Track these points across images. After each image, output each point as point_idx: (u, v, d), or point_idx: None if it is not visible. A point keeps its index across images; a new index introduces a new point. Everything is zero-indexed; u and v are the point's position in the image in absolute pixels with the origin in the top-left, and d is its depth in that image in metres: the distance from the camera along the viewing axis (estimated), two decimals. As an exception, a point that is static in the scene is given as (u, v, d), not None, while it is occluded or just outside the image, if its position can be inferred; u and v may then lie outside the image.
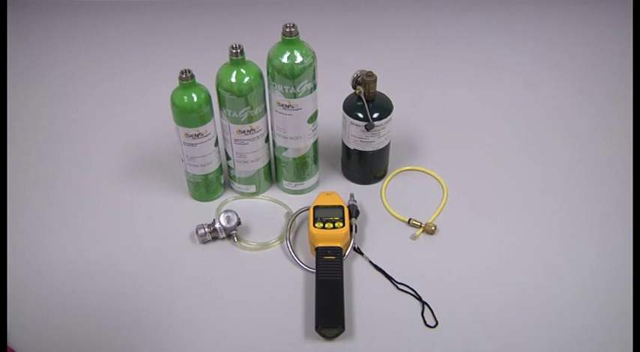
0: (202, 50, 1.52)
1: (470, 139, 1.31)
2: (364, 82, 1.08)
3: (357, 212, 1.11)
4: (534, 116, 1.37)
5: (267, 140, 1.12)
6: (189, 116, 1.03)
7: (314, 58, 1.00)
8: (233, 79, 1.00)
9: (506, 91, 1.44)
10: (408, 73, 1.49)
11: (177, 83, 1.02)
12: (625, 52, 1.55)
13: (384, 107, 1.10)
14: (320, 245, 1.04)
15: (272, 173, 1.20)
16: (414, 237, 1.11)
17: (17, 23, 1.67)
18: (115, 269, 1.06)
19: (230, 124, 1.06)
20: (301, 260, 1.06)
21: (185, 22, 1.68)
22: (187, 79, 1.01)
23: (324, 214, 1.07)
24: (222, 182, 1.18)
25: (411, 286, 1.02)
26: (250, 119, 1.05)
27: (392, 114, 1.11)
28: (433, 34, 1.63)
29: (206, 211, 1.15)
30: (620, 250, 1.08)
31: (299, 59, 0.98)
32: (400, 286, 1.03)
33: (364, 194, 1.18)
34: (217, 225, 1.08)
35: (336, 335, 0.95)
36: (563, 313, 0.99)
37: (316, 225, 1.05)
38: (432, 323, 0.98)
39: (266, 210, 1.16)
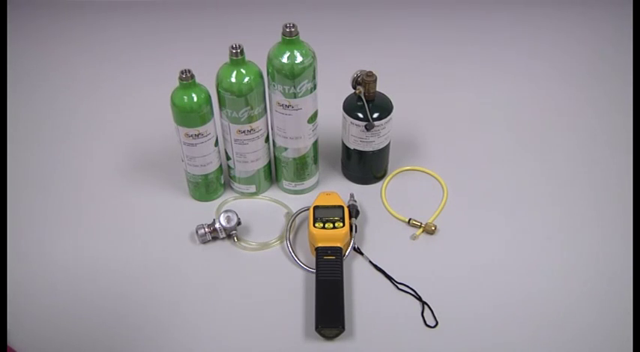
0: (202, 50, 1.52)
1: (470, 139, 1.31)
2: (364, 81, 1.08)
3: (357, 212, 1.11)
4: (534, 116, 1.37)
5: (267, 140, 1.12)
6: (189, 116, 1.03)
7: (314, 58, 1.00)
8: (233, 79, 1.00)
9: (506, 91, 1.44)
10: (408, 73, 1.49)
11: (177, 83, 1.02)
12: (625, 52, 1.55)
13: (384, 107, 1.10)
14: (320, 245, 1.04)
15: (272, 173, 1.20)
16: (414, 237, 1.11)
17: (17, 23, 1.67)
18: (115, 269, 1.06)
19: (230, 124, 1.06)
20: (301, 260, 1.06)
21: (185, 22, 1.68)
22: (187, 79, 1.01)
23: (324, 214, 1.07)
24: (222, 182, 1.18)
25: (411, 286, 1.02)
26: (250, 119, 1.05)
27: (392, 114, 1.11)
28: (433, 34, 1.63)
29: (206, 211, 1.15)
30: (620, 251, 1.08)
31: (299, 59, 0.98)
32: (400, 286, 1.03)
33: (364, 194, 1.18)
34: (217, 225, 1.08)
35: (336, 335, 0.95)
36: (563, 313, 0.99)
37: (316, 225, 1.05)
38: (432, 323, 0.98)
39: (266, 210, 1.16)
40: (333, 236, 1.05)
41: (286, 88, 1.01)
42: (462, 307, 1.00)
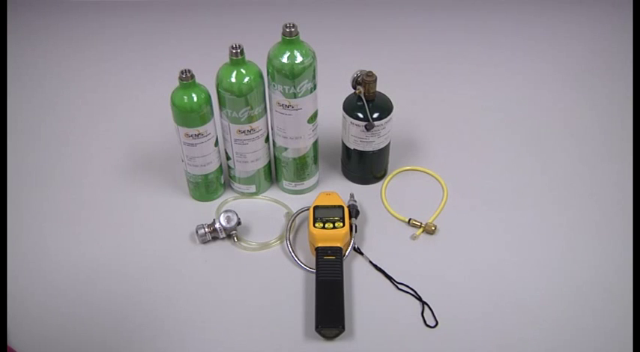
0: (202, 50, 1.52)
1: (470, 139, 1.31)
2: (364, 81, 1.08)
3: (357, 212, 1.11)
4: (534, 116, 1.37)
5: (267, 140, 1.12)
6: (189, 116, 1.03)
7: (314, 58, 1.00)
8: (233, 79, 1.00)
9: (506, 91, 1.44)
10: (408, 73, 1.49)
11: (177, 83, 1.02)
12: (625, 52, 1.55)
13: (384, 107, 1.10)
14: (320, 245, 1.04)
15: (272, 173, 1.20)
16: (414, 237, 1.11)
17: (17, 23, 1.67)
18: (115, 269, 1.06)
19: (230, 124, 1.06)
20: (301, 260, 1.06)
21: (185, 22, 1.68)
22: (187, 79, 1.01)
23: (324, 214, 1.07)
24: (222, 182, 1.18)
25: (411, 286, 1.02)
26: (250, 119, 1.05)
27: (392, 114, 1.11)
28: (433, 34, 1.63)
29: (206, 211, 1.15)
30: (621, 251, 1.08)
31: (299, 59, 0.98)
32: (400, 286, 1.03)
33: (364, 194, 1.18)
34: (217, 225, 1.08)
35: (336, 335, 0.95)
36: (563, 313, 0.99)
37: (316, 225, 1.05)
38: (432, 323, 0.98)
39: (266, 210, 1.16)
40: (333, 236, 1.05)
41: (286, 87, 1.01)
42: (462, 307, 1.00)
